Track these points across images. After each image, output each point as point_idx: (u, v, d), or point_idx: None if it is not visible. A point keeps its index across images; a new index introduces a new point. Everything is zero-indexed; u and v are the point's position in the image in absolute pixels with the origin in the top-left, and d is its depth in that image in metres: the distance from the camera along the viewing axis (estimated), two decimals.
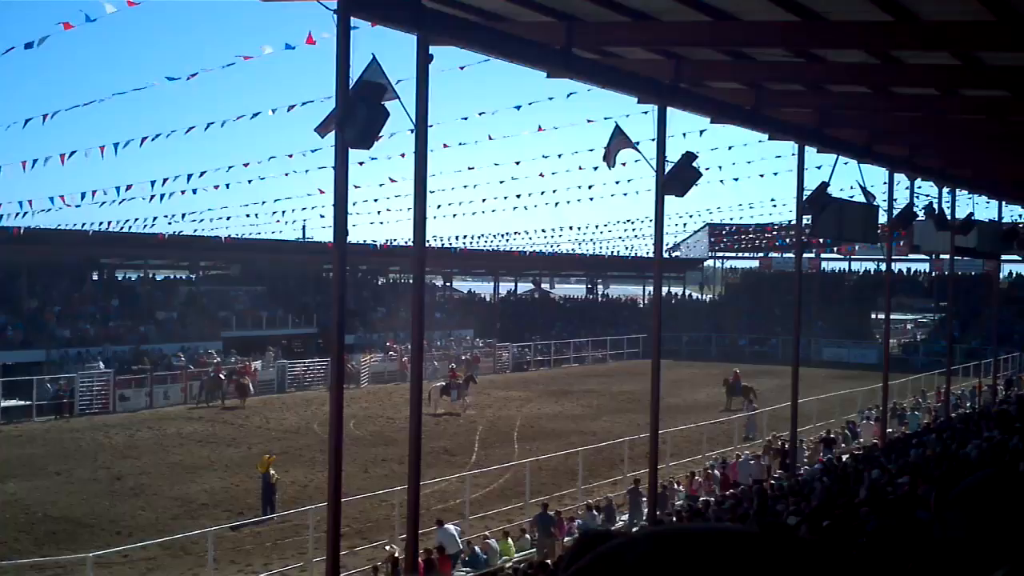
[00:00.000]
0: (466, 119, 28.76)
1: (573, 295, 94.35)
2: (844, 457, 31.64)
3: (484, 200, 79.28)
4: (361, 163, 25.07)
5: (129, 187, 35.54)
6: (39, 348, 48.05)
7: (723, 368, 52.29)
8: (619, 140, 21.74)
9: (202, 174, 33.45)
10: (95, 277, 59.87)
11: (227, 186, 36.34)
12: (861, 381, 47.04)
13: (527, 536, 24.24)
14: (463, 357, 58.68)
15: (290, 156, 35.00)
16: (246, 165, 36.32)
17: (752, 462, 30.85)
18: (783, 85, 24.85)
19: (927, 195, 37.60)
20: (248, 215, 46.91)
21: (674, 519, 24.08)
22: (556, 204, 51.17)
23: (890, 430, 35.90)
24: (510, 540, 23.69)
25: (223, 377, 47.14)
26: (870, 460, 28.43)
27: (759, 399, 43.58)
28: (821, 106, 26.55)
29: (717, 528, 1.08)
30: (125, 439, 37.67)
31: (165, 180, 35.92)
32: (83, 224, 50.17)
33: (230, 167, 35.40)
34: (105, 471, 31.99)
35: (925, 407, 43.21)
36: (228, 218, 48.53)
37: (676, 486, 28.37)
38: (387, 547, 22.30)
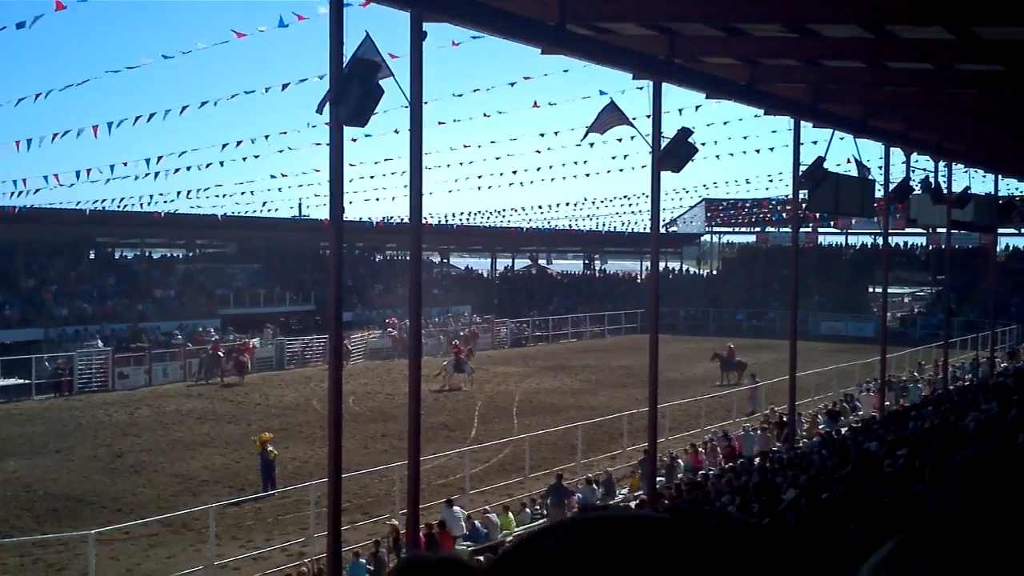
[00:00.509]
0: (460, 96, 28.71)
1: (570, 271, 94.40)
2: (843, 430, 31.80)
3: (480, 177, 79.03)
4: (355, 140, 25.09)
5: (125, 164, 35.51)
6: (37, 327, 48.17)
7: (720, 343, 52.37)
8: (612, 115, 21.72)
9: (195, 150, 33.36)
10: (92, 256, 59.89)
11: (221, 164, 36.23)
12: (859, 354, 47.19)
13: (527, 510, 24.40)
14: (461, 333, 58.78)
15: (284, 133, 34.84)
16: (239, 143, 36.15)
17: (757, 433, 31.04)
18: (778, 60, 24.78)
19: (923, 169, 37.64)
20: (243, 192, 46.86)
21: (674, 491, 24.28)
22: (552, 180, 51.22)
23: (888, 403, 36.00)
24: (510, 514, 23.82)
25: (222, 355, 47.23)
26: (868, 432, 28.58)
27: (757, 373, 43.68)
28: (816, 81, 26.51)
29: (636, 514, 1.14)
30: (125, 417, 37.78)
31: (160, 158, 35.94)
32: (79, 203, 50.19)
33: (224, 145, 35.26)
34: (105, 449, 32.11)
35: (924, 379, 43.36)
36: (224, 195, 48.52)
37: (678, 460, 28.53)
38: (388, 521, 22.45)
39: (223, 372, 46.66)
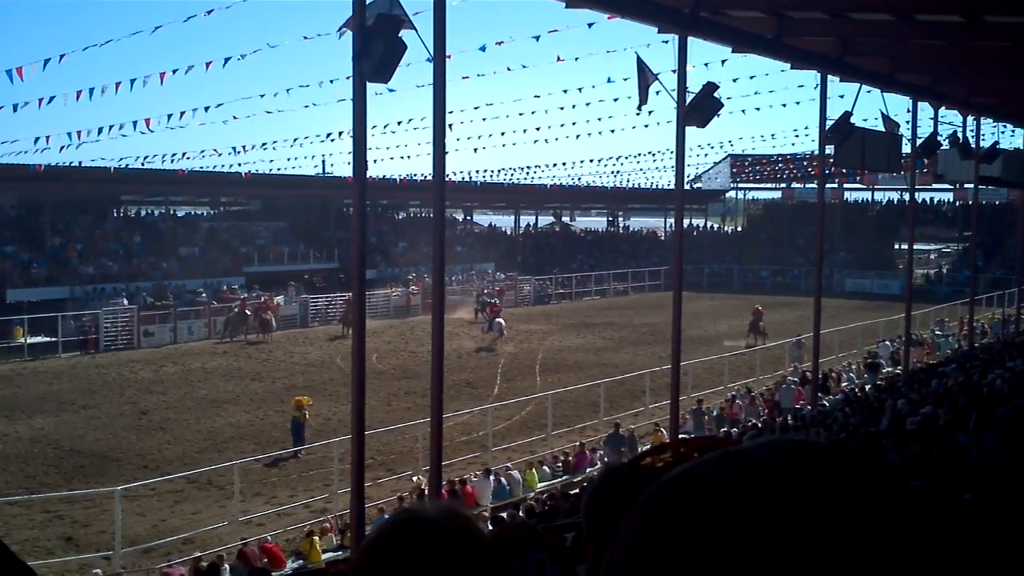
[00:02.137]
0: (484, 49, 28.37)
1: (594, 228, 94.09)
2: (867, 387, 31.74)
3: (504, 134, 78.85)
4: (379, 94, 24.83)
5: (148, 121, 35.45)
6: (63, 285, 48.41)
7: (744, 300, 52.20)
8: (644, 75, 21.50)
9: (219, 105, 33.26)
10: (117, 214, 60.10)
11: (247, 116, 36.12)
12: (884, 311, 46.95)
13: (546, 468, 24.49)
14: (485, 291, 58.75)
15: (304, 86, 34.53)
16: (262, 96, 36.14)
17: (794, 387, 31.13)
18: (805, 13, 24.50)
19: (951, 124, 37.24)
20: (266, 147, 46.72)
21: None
22: (577, 136, 50.88)
23: (914, 360, 35.84)
24: (533, 471, 23.89)
25: (248, 312, 47.37)
26: (893, 390, 28.49)
27: (778, 332, 43.47)
28: (843, 34, 26.21)
29: (837, 445, 1.02)
30: (150, 374, 38.00)
31: (182, 113, 35.88)
32: (102, 159, 50.30)
33: (246, 98, 35.21)
34: (131, 406, 32.32)
35: (951, 335, 43.22)
36: (246, 150, 48.33)
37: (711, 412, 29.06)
38: (413, 478, 22.54)
39: (248, 330, 46.82)
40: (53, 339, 42.82)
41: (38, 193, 50.64)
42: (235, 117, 36.35)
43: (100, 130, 35.52)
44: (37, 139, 38.87)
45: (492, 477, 22.68)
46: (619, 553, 0.97)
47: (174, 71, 28.37)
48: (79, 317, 44.60)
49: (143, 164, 52.80)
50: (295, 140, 72.62)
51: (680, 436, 24.92)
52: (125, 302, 47.18)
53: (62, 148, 36.74)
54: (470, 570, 1.44)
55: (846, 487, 0.93)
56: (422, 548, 1.43)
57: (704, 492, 0.93)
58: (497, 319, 46.72)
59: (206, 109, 34.35)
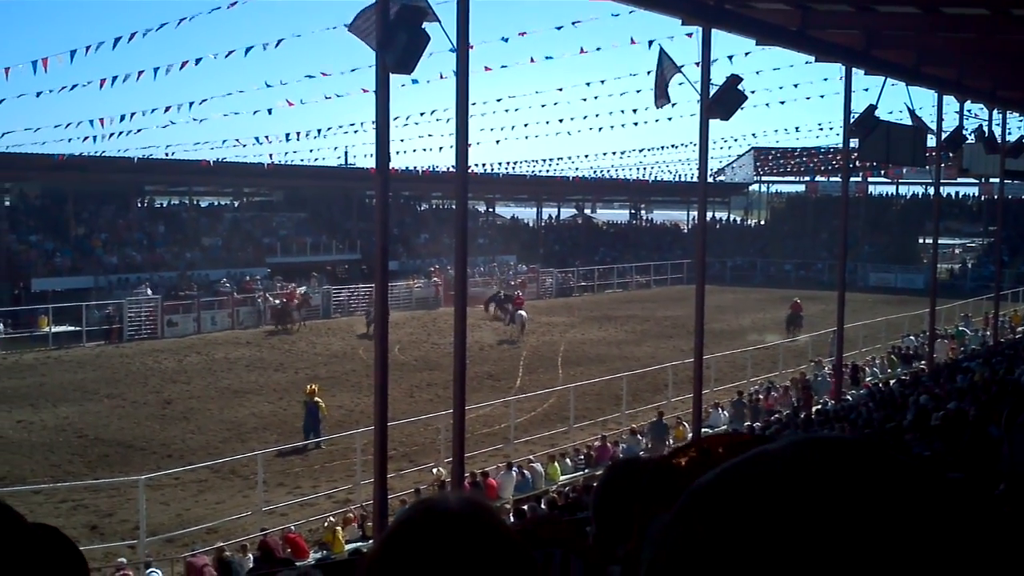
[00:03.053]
0: (507, 40, 28.31)
1: (616, 220, 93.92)
2: (891, 382, 31.61)
3: (527, 126, 78.63)
4: (403, 85, 24.81)
5: (167, 109, 35.50)
6: (87, 274, 48.67)
7: (767, 293, 52.03)
8: (667, 67, 21.38)
9: (240, 92, 33.28)
10: (140, 204, 60.37)
11: (269, 111, 36.13)
12: (908, 306, 46.72)
13: (567, 461, 24.50)
14: (511, 283, 58.68)
15: (326, 75, 34.42)
16: (284, 83, 36.19)
17: (829, 379, 31.27)
18: (830, 5, 24.38)
19: (977, 117, 37.00)
20: (289, 138, 46.77)
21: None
22: (600, 129, 50.76)
23: (937, 355, 35.68)
24: (556, 464, 23.89)
25: (296, 303, 47.72)
26: (918, 385, 28.36)
27: (809, 325, 43.36)
28: (869, 27, 26.04)
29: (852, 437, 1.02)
30: (174, 364, 38.18)
31: (204, 101, 35.98)
32: (126, 150, 50.46)
33: (268, 85, 35.26)
34: (155, 395, 32.49)
35: (977, 331, 43.04)
36: (268, 141, 48.34)
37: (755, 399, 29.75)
38: (434, 470, 22.57)
39: (292, 321, 46.96)
40: (77, 328, 43.09)
41: (62, 183, 50.90)
42: (256, 111, 35.94)
43: (122, 117, 35.59)
44: (58, 126, 38.93)
45: (515, 470, 22.69)
46: (662, 556, 0.97)
47: (197, 61, 28.40)
48: (103, 306, 44.86)
49: (167, 155, 53.03)
50: (319, 131, 72.44)
51: (705, 430, 24.88)
52: (149, 292, 47.40)
53: (84, 139, 36.83)
54: (490, 560, 1.43)
55: (890, 485, 0.93)
56: (441, 538, 1.42)
57: (747, 494, 0.93)
58: (519, 311, 46.73)
59: (227, 95, 34.20)
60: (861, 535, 0.89)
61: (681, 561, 0.94)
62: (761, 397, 30.06)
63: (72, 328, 43.14)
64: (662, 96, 21.44)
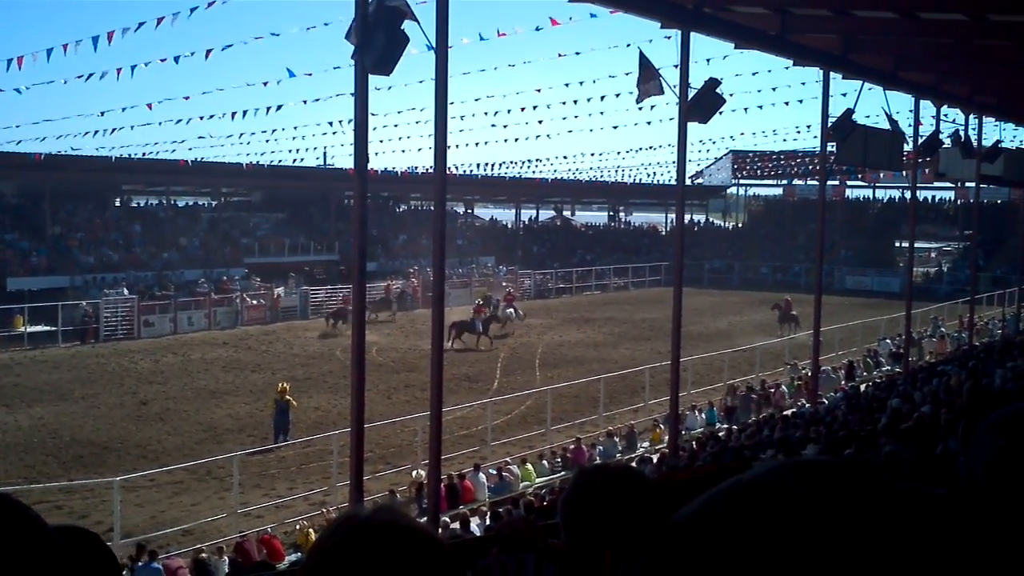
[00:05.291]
0: (485, 39, 28.27)
1: (595, 222, 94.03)
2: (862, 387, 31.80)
3: (506, 127, 78.62)
4: (378, 88, 24.82)
5: (150, 106, 35.38)
6: (63, 274, 48.41)
7: (745, 296, 52.23)
8: (647, 71, 21.41)
9: (220, 90, 33.16)
10: (117, 203, 60.08)
11: (244, 114, 35.88)
12: (884, 310, 46.95)
13: (544, 463, 24.49)
14: (502, 283, 58.53)
15: (308, 75, 34.48)
16: (265, 84, 35.99)
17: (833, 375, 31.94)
18: (808, 10, 24.46)
19: (953, 122, 37.22)
20: (268, 140, 46.80)
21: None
22: (578, 131, 50.81)
23: (912, 359, 35.85)
24: (529, 465, 23.89)
25: (349, 307, 47.28)
26: (892, 388, 28.49)
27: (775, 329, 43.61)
28: (846, 31, 26.16)
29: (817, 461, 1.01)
30: (150, 364, 38.01)
31: (187, 97, 35.79)
32: (103, 148, 50.21)
33: (249, 84, 35.27)
34: (131, 396, 32.33)
35: (938, 336, 43.39)
36: (247, 141, 48.29)
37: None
38: (412, 473, 22.53)
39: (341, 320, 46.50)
40: (53, 328, 42.84)
41: (39, 181, 50.61)
42: (234, 113, 35.71)
43: (103, 113, 35.49)
44: (36, 123, 38.80)
45: (483, 475, 22.56)
46: None
47: (176, 58, 28.30)
48: (79, 306, 44.60)
49: (144, 154, 52.81)
50: (295, 129, 72.37)
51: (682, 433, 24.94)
52: (125, 291, 47.16)
53: (59, 136, 36.75)
54: (414, 569, 1.44)
55: (873, 511, 0.92)
56: (368, 549, 1.43)
57: (730, 527, 0.93)
58: (509, 308, 46.94)
59: (203, 93, 34.14)
60: (847, 566, 0.88)
61: None
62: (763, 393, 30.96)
63: (48, 328, 42.89)
64: (645, 94, 21.49)
